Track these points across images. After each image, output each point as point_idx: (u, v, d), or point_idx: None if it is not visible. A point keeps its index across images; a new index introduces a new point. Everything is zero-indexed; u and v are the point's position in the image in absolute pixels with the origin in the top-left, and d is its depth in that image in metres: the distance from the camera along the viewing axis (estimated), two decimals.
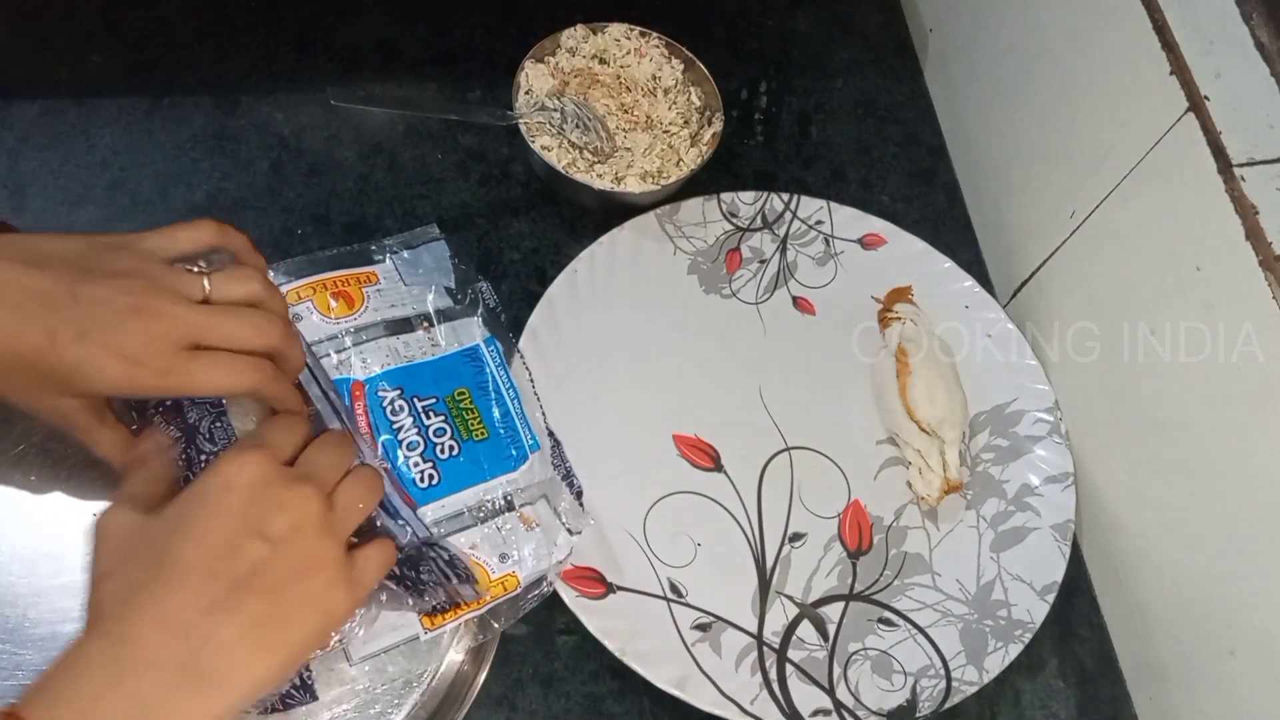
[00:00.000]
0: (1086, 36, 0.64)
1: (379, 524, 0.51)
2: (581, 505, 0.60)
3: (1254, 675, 0.53)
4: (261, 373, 0.48)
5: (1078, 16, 0.64)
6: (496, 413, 0.60)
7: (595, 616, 0.57)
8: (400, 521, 0.51)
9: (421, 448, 0.57)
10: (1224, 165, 0.52)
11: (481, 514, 0.56)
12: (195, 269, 0.47)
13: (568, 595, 0.57)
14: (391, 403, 0.58)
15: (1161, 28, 0.57)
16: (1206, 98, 0.54)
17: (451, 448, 0.58)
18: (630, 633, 0.57)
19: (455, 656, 0.56)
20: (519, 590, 0.55)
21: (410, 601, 0.52)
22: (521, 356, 0.64)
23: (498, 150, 0.75)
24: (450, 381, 0.60)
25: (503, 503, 0.57)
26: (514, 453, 0.59)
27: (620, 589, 0.59)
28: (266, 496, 0.44)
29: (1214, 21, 0.56)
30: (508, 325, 0.65)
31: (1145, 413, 0.60)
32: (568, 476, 0.61)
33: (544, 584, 0.57)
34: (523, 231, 0.72)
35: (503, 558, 0.55)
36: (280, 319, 0.49)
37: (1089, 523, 0.65)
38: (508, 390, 0.61)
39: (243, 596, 0.41)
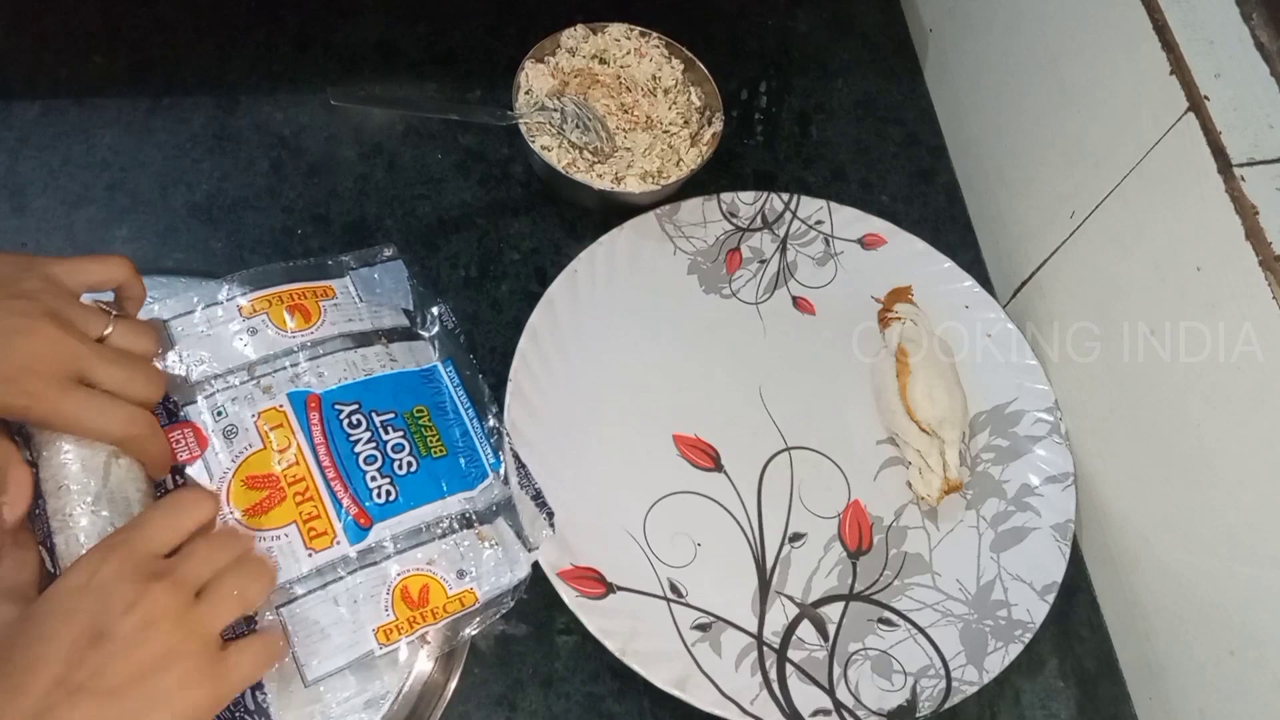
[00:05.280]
0: (1086, 36, 0.64)
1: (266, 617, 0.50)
2: (552, 527, 0.59)
3: (1254, 675, 0.53)
4: (137, 425, 0.47)
5: (1077, 16, 0.64)
6: (456, 432, 0.59)
7: (595, 616, 0.57)
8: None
9: (379, 463, 0.56)
10: (1224, 165, 0.52)
11: (439, 530, 0.56)
12: (106, 306, 0.46)
13: (568, 595, 0.57)
14: (349, 416, 0.56)
15: (1161, 28, 0.57)
16: (1206, 98, 0.54)
17: (410, 464, 0.56)
18: (630, 633, 0.57)
19: (424, 666, 0.55)
20: (478, 605, 0.55)
21: None
22: (522, 356, 0.64)
23: (498, 150, 0.75)
24: (409, 398, 0.58)
25: (460, 520, 0.57)
26: (473, 470, 0.58)
27: (620, 589, 0.59)
28: (116, 595, 0.42)
29: (1214, 21, 0.56)
30: (507, 326, 0.65)
31: (1145, 413, 0.60)
32: (538, 498, 0.60)
33: (508, 598, 0.56)
34: (523, 231, 0.72)
35: (460, 574, 0.55)
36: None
37: (1089, 523, 0.65)
38: (466, 411, 0.60)
39: (80, 699, 0.40)
